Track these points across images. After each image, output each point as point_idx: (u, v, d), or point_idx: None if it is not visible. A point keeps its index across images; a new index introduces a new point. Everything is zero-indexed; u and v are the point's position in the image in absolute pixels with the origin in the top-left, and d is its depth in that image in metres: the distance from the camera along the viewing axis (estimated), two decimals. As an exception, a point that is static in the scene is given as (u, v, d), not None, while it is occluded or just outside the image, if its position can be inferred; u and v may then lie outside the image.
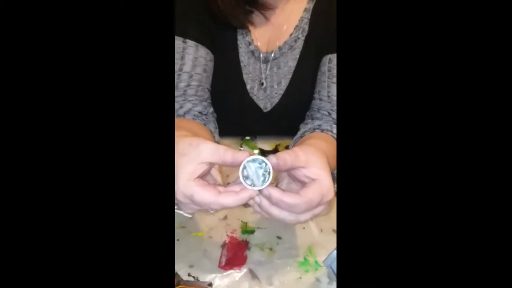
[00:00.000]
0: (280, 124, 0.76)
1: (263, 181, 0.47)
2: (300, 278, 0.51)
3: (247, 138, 0.78)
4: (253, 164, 0.47)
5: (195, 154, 0.46)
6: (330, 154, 0.56)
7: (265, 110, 0.75)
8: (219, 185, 0.49)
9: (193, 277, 0.51)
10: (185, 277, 0.51)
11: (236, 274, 0.52)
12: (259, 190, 0.47)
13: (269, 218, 0.48)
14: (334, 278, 0.47)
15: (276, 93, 0.74)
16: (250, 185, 0.48)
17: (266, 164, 0.48)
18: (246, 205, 0.57)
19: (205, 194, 0.45)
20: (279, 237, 0.58)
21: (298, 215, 0.46)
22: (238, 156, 0.47)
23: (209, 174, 0.50)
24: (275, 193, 0.45)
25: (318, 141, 0.58)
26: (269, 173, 0.47)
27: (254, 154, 0.49)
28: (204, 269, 0.52)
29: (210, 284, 0.50)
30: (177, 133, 0.51)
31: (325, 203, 0.47)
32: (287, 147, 0.75)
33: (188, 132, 0.54)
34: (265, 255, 0.55)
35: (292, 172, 0.48)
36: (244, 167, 0.48)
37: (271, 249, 0.56)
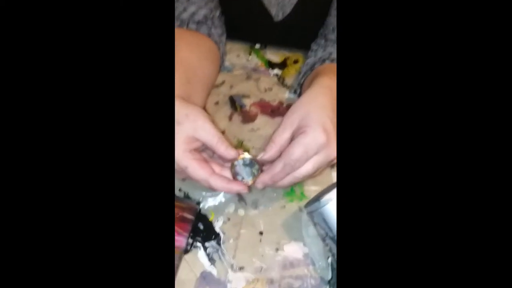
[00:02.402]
0: (290, 35, 0.68)
1: (253, 177, 0.48)
2: (284, 207, 0.51)
3: (257, 46, 0.71)
4: (243, 165, 0.48)
5: (191, 128, 0.45)
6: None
7: (276, 19, 0.67)
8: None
9: (184, 192, 0.51)
10: (176, 191, 0.51)
11: (224, 195, 0.52)
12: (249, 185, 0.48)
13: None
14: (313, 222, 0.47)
15: (289, 2, 0.64)
16: (240, 179, 0.49)
17: (255, 164, 0.49)
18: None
19: (199, 171, 0.45)
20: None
21: (300, 169, 0.45)
22: (230, 152, 0.47)
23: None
24: (266, 178, 0.47)
25: (326, 78, 0.51)
26: (258, 170, 0.48)
27: (243, 153, 0.48)
28: (195, 184, 0.52)
29: (198, 203, 0.50)
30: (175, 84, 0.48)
31: (320, 149, 0.44)
32: (295, 62, 0.69)
33: (183, 90, 0.50)
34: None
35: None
36: (234, 165, 0.48)
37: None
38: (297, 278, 0.46)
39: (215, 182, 0.45)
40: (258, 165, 0.48)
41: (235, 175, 0.47)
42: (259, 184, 0.47)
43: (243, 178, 0.47)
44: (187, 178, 0.49)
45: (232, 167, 0.47)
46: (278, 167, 0.45)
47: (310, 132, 0.44)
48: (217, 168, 0.47)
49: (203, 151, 0.49)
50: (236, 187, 0.46)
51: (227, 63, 0.67)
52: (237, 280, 0.45)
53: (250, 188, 0.48)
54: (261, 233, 0.49)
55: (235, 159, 0.47)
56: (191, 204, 0.49)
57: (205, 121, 0.46)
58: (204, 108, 0.59)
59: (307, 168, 0.44)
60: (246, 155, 0.48)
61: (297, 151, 0.43)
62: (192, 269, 0.45)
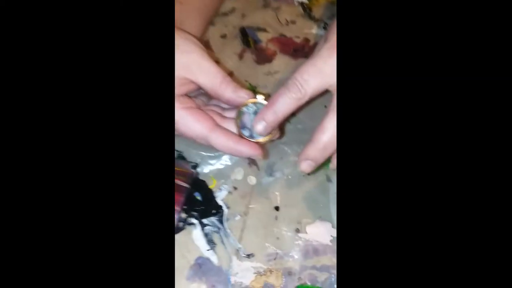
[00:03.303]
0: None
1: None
2: (308, 174, 0.39)
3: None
4: (253, 113, 0.34)
5: (184, 66, 0.32)
6: None
7: None
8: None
9: (177, 151, 0.39)
10: (167, 149, 0.39)
11: (230, 157, 0.39)
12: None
13: None
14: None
15: None
16: (248, 136, 0.35)
17: None
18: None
19: (195, 125, 0.32)
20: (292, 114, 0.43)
21: None
22: (240, 94, 0.34)
23: None
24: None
25: None
26: None
27: (255, 95, 0.35)
28: (192, 144, 0.39)
29: (195, 166, 0.38)
30: None
31: None
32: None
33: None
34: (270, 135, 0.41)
35: None
36: (241, 113, 0.34)
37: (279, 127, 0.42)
38: (322, 270, 0.34)
39: (218, 140, 0.32)
40: None
41: (241, 128, 0.34)
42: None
43: (251, 135, 0.34)
44: (178, 134, 0.37)
45: (239, 116, 0.34)
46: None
47: None
48: (216, 119, 0.34)
49: (195, 97, 0.36)
50: (247, 149, 0.33)
51: (239, -14, 0.52)
52: (244, 271, 0.33)
53: (265, 151, 0.35)
54: (277, 208, 0.37)
55: (244, 104, 0.34)
56: (185, 167, 0.37)
57: (202, 55, 0.33)
58: (204, 41, 0.46)
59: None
60: (260, 99, 0.34)
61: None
62: (184, 254, 0.34)
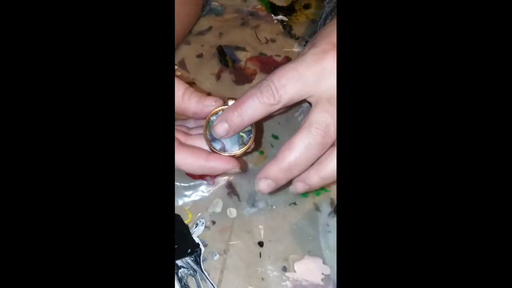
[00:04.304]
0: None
1: (241, 144, 0.31)
2: (294, 203, 0.34)
3: (256, -15, 0.53)
4: None
5: None
6: None
7: None
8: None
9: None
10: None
11: (207, 187, 0.35)
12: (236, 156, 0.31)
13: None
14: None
15: None
16: (220, 150, 0.31)
17: None
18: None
19: None
20: (275, 137, 0.39)
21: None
22: (206, 103, 0.30)
23: None
24: (272, 169, 0.29)
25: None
26: (249, 133, 0.31)
27: (226, 103, 0.31)
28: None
29: (168, 199, 0.33)
30: None
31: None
32: (306, 6, 0.51)
33: None
34: (252, 160, 0.37)
35: None
36: (211, 124, 0.30)
37: (262, 152, 0.38)
38: (314, 314, 0.30)
39: (185, 161, 0.28)
40: (250, 125, 0.31)
41: (211, 142, 0.30)
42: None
43: (223, 147, 0.30)
44: None
45: (207, 127, 0.30)
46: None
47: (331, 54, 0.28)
48: (181, 138, 0.30)
49: None
50: (220, 164, 0.29)
51: (215, 3, 0.49)
52: (224, 320, 0.29)
53: (243, 162, 0.31)
54: (260, 244, 0.32)
55: (213, 113, 0.30)
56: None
57: None
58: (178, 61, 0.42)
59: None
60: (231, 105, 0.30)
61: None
62: (155, 303, 0.29)
